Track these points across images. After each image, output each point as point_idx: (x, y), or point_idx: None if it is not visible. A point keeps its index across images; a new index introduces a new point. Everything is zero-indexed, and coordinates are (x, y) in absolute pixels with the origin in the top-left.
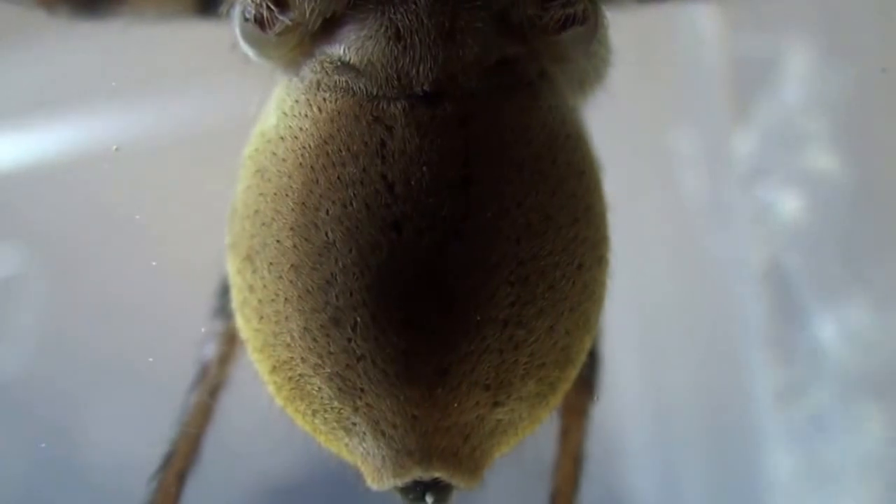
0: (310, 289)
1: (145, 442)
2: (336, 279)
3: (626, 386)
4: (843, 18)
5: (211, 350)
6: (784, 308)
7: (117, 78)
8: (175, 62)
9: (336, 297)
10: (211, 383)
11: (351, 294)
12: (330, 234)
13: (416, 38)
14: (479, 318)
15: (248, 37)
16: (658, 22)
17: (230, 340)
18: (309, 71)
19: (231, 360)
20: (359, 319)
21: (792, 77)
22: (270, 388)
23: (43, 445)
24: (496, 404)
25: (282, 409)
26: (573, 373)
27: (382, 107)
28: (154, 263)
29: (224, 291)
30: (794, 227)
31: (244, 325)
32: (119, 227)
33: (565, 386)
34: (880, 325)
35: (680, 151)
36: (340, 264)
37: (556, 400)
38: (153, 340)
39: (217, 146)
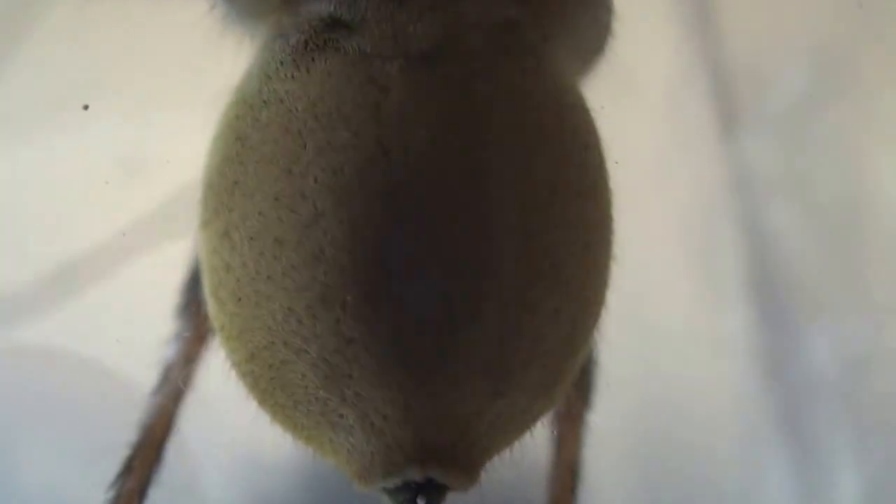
0: (295, 265)
1: (83, 476)
2: (324, 253)
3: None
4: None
5: (174, 350)
6: (776, 323)
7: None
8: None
9: (324, 273)
10: (174, 386)
11: (341, 270)
12: (318, 204)
13: None
14: (480, 296)
15: None
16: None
17: (195, 340)
18: (295, 30)
19: (196, 360)
20: (349, 298)
21: (787, 82)
22: (246, 382)
23: None
24: (497, 394)
25: (258, 405)
26: (575, 365)
27: (377, 67)
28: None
29: (189, 287)
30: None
31: (218, 311)
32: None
33: (567, 379)
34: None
35: (671, 158)
36: (329, 237)
37: (558, 394)
38: (96, 372)
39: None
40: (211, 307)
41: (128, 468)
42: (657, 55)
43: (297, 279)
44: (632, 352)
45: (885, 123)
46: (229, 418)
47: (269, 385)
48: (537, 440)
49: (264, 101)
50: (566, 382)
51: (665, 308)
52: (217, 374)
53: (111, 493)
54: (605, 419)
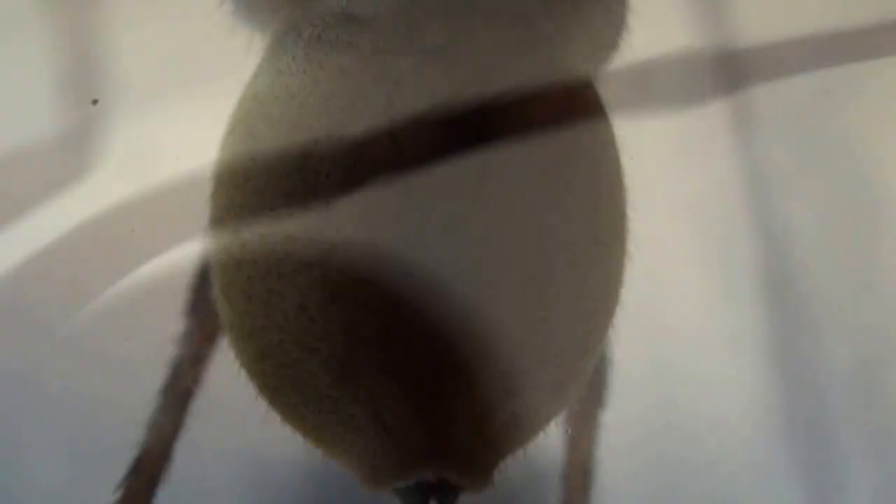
0: (308, 262)
1: (91, 476)
2: (337, 251)
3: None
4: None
5: (184, 349)
6: (790, 321)
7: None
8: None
9: (337, 271)
10: (183, 385)
11: (353, 267)
12: (330, 199)
13: None
14: (494, 293)
15: None
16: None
17: (205, 339)
18: (308, 25)
19: (206, 359)
20: (361, 295)
21: (803, 77)
22: (256, 381)
23: None
24: (511, 393)
25: (268, 405)
26: (589, 364)
27: (389, 62)
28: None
29: (199, 285)
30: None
31: (228, 309)
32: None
33: (581, 378)
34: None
35: (686, 155)
36: (342, 235)
37: (572, 394)
38: (103, 370)
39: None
40: (221, 305)
41: (136, 468)
42: (672, 50)
43: (309, 277)
44: (645, 351)
45: None
46: (239, 418)
47: (280, 384)
48: (550, 440)
49: (276, 97)
50: (580, 382)
51: (679, 306)
52: (226, 373)
53: (119, 493)
54: (618, 418)
